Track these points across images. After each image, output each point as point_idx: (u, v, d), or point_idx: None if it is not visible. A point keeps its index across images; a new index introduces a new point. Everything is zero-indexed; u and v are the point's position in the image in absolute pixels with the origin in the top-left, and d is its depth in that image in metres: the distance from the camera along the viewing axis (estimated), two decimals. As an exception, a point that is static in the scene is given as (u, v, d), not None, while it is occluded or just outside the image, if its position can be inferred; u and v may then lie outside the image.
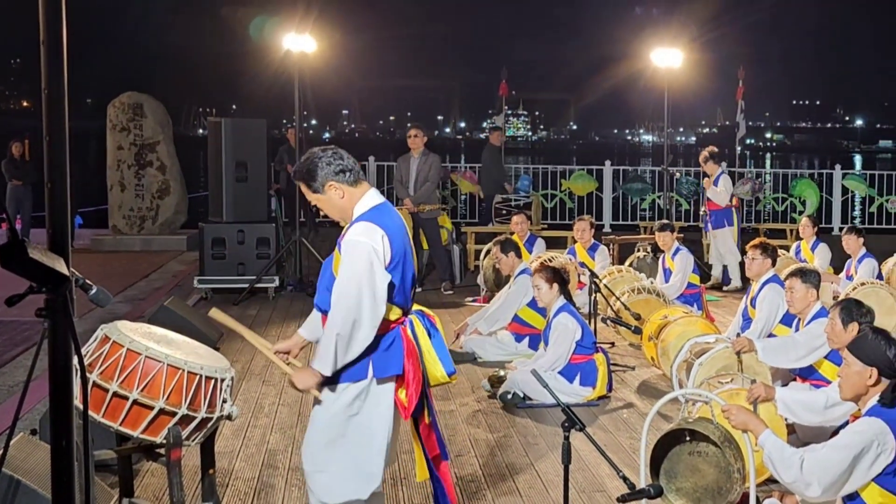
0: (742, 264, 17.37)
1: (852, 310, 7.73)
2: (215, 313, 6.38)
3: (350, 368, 5.77)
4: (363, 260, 5.66)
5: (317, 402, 5.89)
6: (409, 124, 18.37)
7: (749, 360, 9.44)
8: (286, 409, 9.84)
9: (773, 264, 10.07)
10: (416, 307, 6.17)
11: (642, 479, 6.84)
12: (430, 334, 6.06)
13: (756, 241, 10.60)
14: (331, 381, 5.79)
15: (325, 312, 5.87)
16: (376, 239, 5.72)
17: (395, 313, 5.92)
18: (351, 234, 5.79)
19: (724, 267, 17.74)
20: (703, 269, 17.16)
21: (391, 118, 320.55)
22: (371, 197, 5.99)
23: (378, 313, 5.68)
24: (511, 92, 28.27)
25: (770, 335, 10.02)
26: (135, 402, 5.87)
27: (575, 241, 15.35)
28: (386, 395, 5.91)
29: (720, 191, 17.56)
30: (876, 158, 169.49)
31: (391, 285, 5.79)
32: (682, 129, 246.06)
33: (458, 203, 24.08)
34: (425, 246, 17.18)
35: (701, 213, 17.95)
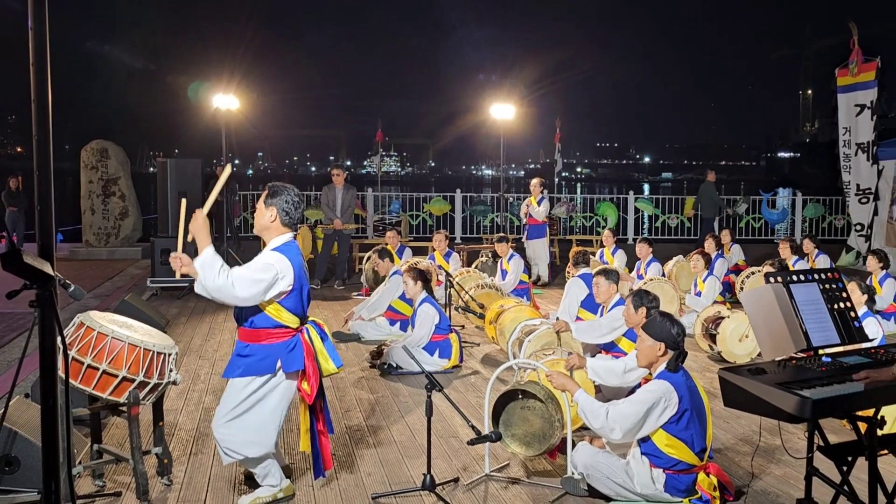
0: (551, 265, 17.78)
1: (642, 297, 7.87)
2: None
3: (263, 364, 5.99)
4: (264, 268, 5.85)
5: (185, 276, 5.97)
6: (308, 163, 18.64)
7: (566, 338, 9.56)
8: (217, 377, 9.82)
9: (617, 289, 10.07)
10: (310, 318, 6.30)
11: (486, 427, 6.88)
12: (322, 338, 6.27)
13: (601, 267, 10.62)
14: (246, 374, 6.00)
15: (239, 323, 6.15)
16: (284, 268, 5.92)
17: (295, 322, 6.09)
18: (266, 253, 6.00)
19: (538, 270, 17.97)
20: (531, 270, 17.35)
21: (295, 158, 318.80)
22: (287, 237, 6.13)
23: (243, 295, 5.80)
24: (385, 137, 28.21)
25: (578, 318, 10.14)
26: (104, 371, 5.91)
27: (434, 250, 15.37)
28: (287, 385, 6.13)
29: (540, 210, 17.81)
30: (660, 186, 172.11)
31: (293, 300, 6.02)
32: (513, 165, 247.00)
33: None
34: (335, 251, 17.37)
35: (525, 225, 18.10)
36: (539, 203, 17.80)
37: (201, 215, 6.01)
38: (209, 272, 5.73)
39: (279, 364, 6.00)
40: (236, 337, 6.19)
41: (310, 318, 6.29)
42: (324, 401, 6.35)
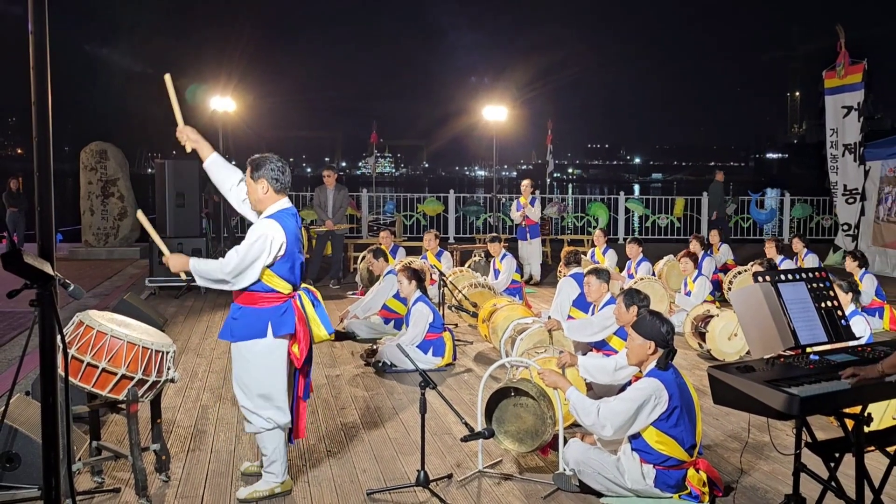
0: (543, 265, 17.78)
1: (633, 295, 7.88)
2: (140, 216, 6.55)
3: (255, 328, 6.05)
4: (254, 241, 5.93)
5: (187, 276, 6.12)
6: (304, 164, 18.78)
7: (558, 336, 9.57)
8: (214, 375, 9.85)
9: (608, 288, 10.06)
10: (303, 285, 6.35)
11: (479, 424, 6.89)
12: (314, 304, 6.31)
13: (592, 266, 10.59)
14: (242, 338, 6.08)
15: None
16: (276, 232, 5.97)
17: (287, 289, 6.13)
18: (258, 224, 6.06)
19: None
20: (523, 269, 17.37)
21: (290, 160, 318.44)
22: (283, 203, 6.20)
23: (242, 280, 5.97)
24: (379, 139, 28.24)
25: (570, 317, 10.15)
26: (103, 369, 5.90)
27: (426, 249, 15.38)
28: (282, 348, 6.16)
29: (535, 210, 17.87)
30: (650, 187, 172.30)
31: (285, 267, 6.06)
32: (506, 166, 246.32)
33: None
34: (328, 251, 17.36)
35: (522, 225, 18.08)
36: (532, 203, 17.87)
37: (173, 260, 6.14)
38: (200, 268, 5.99)
39: (270, 327, 6.04)
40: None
41: (302, 286, 6.32)
42: (309, 367, 6.40)
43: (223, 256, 6.00)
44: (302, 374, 6.36)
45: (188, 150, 6.57)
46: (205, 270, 5.96)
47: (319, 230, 17.35)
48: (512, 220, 18.46)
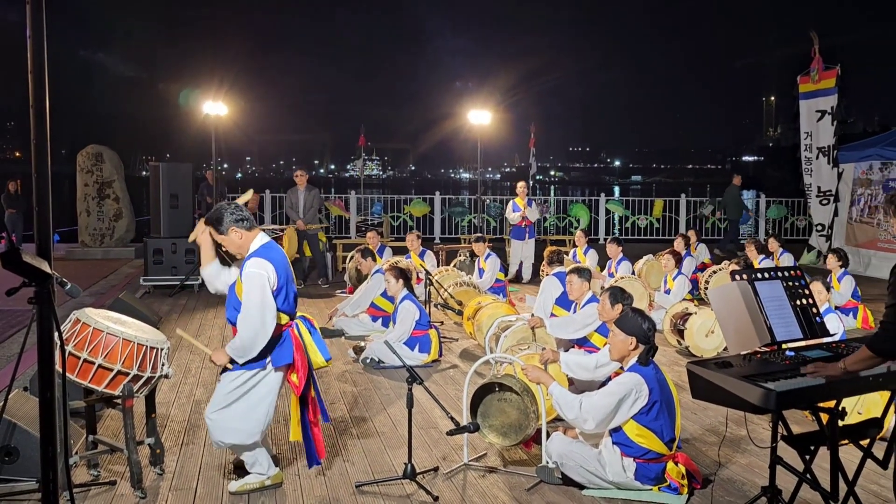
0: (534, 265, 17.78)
1: (618, 294, 7.90)
2: (181, 332, 6.70)
3: (255, 359, 6.02)
4: (258, 289, 5.88)
5: (226, 369, 6.11)
6: (294, 167, 18.61)
7: (540, 333, 9.58)
8: (207, 371, 9.85)
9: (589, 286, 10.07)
10: (299, 313, 6.34)
11: (465, 419, 6.90)
12: (310, 331, 6.30)
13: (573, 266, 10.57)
14: (238, 368, 6.06)
15: (234, 324, 6.07)
16: (268, 270, 5.94)
17: (284, 319, 6.13)
18: (249, 268, 5.98)
19: (521, 263, 17.97)
20: (506, 268, 17.39)
21: (281, 162, 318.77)
22: (261, 238, 6.20)
23: (271, 326, 5.92)
24: (367, 142, 28.25)
25: (552, 315, 10.16)
26: (99, 366, 5.91)
27: (410, 249, 15.38)
28: (275, 377, 6.17)
29: (533, 211, 17.95)
30: (630, 189, 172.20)
31: (279, 298, 6.02)
32: (490, 169, 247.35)
33: (329, 222, 23.99)
34: (308, 253, 17.34)
35: (521, 226, 18.03)
36: (529, 205, 17.91)
37: (216, 357, 6.13)
38: (238, 354, 5.97)
39: (269, 359, 6.04)
40: (226, 333, 6.22)
41: (298, 314, 6.31)
42: (316, 391, 6.37)
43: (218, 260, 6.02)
44: (310, 400, 6.33)
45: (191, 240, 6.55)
46: (240, 346, 5.92)
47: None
48: (510, 221, 18.37)
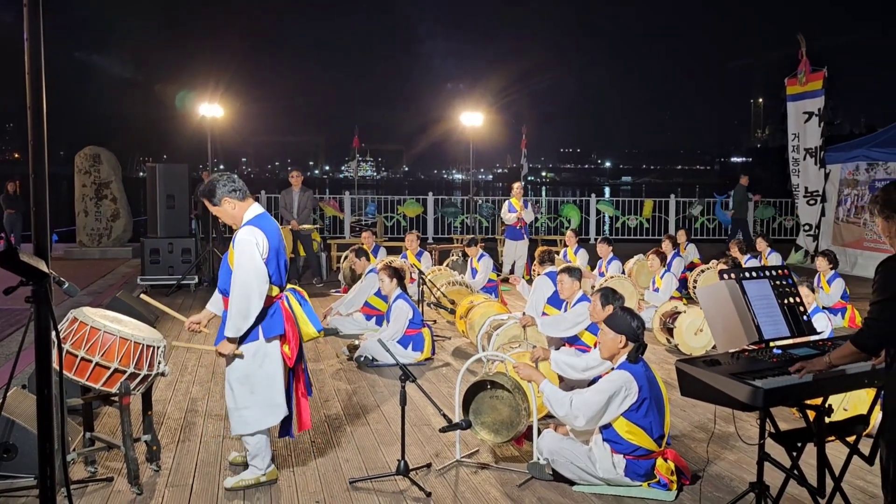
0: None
1: (609, 295, 7.88)
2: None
3: (247, 333, 6.01)
4: (249, 253, 5.89)
5: (236, 357, 6.11)
6: (289, 168, 18.55)
7: (532, 331, 9.59)
8: (203, 369, 9.88)
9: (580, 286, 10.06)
10: (289, 286, 6.39)
11: (457, 416, 6.90)
12: (300, 303, 6.38)
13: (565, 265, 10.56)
14: (236, 344, 6.04)
15: (225, 294, 6.10)
16: (258, 237, 5.96)
17: (274, 291, 6.14)
18: (240, 235, 6.02)
19: (514, 263, 17.97)
20: (499, 268, 17.39)
21: (276, 163, 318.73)
22: (255, 209, 6.22)
23: (263, 289, 5.94)
24: (361, 144, 28.20)
25: (544, 314, 10.17)
26: (96, 364, 5.92)
27: (407, 249, 15.36)
28: (275, 350, 6.15)
29: (529, 212, 17.96)
30: (620, 189, 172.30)
31: (271, 268, 6.03)
32: (482, 170, 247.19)
33: (324, 223, 23.98)
34: (302, 253, 17.34)
35: (517, 227, 18.01)
36: (525, 206, 17.91)
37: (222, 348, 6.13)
38: (234, 326, 5.97)
39: (260, 329, 6.05)
40: (222, 306, 6.22)
41: (289, 287, 6.36)
42: (304, 364, 6.40)
43: (210, 256, 6.02)
44: (298, 373, 6.35)
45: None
46: (238, 313, 5.93)
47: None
48: (505, 221, 18.34)
